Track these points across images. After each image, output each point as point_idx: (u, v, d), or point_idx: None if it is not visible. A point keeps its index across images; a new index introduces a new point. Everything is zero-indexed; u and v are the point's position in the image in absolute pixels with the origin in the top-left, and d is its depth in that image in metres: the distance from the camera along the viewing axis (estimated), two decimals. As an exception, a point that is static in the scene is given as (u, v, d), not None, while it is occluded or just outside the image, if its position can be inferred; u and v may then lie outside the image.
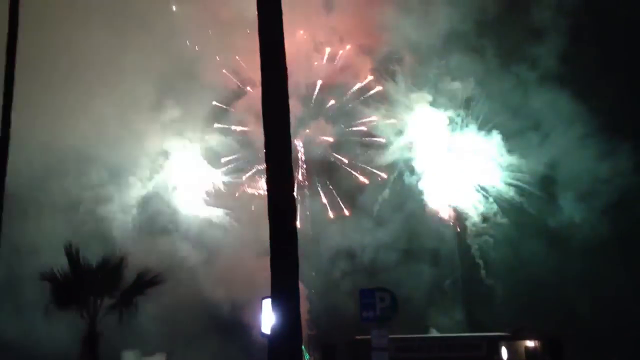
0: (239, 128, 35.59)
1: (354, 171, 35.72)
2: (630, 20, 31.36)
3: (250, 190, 35.55)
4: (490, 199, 34.41)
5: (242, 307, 29.85)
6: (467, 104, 34.60)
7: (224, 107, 35.83)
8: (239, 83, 35.88)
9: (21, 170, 21.99)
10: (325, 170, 36.26)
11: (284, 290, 8.82)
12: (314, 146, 36.10)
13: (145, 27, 31.16)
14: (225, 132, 35.70)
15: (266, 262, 8.92)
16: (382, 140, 35.26)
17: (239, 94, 35.95)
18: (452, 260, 34.80)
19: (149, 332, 26.92)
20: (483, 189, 34.65)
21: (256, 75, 9.60)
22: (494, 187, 34.46)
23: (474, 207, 34.60)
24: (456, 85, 34.46)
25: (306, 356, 28.91)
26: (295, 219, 9.38)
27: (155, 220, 34.48)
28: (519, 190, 33.77)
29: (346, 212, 35.33)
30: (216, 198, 35.62)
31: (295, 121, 32.65)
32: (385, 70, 35.59)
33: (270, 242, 8.96)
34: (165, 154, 35.39)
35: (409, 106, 35.09)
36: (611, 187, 30.84)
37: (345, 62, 36.29)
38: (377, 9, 34.09)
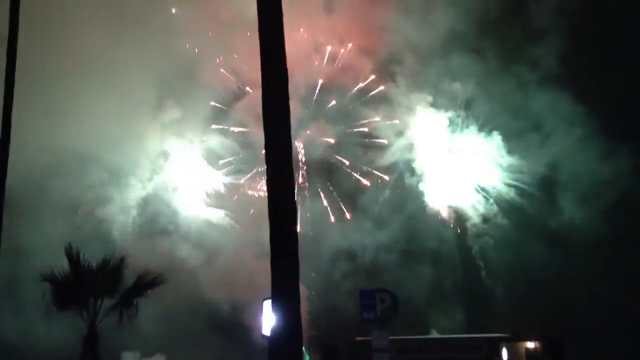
0: (239, 129, 35.54)
1: (355, 172, 35.75)
2: (630, 21, 31.36)
3: (250, 192, 35.56)
4: (491, 200, 34.41)
5: (242, 309, 29.79)
6: (467, 105, 34.63)
7: (224, 107, 35.76)
8: (239, 84, 35.87)
9: (21, 171, 21.93)
10: (326, 171, 36.23)
11: (284, 292, 8.78)
12: (314, 147, 36.12)
13: (145, 27, 31.20)
14: (226, 133, 35.66)
15: (266, 263, 8.88)
16: (383, 141, 35.28)
17: (239, 94, 35.90)
18: (452, 261, 34.78)
19: (149, 333, 26.81)
20: (483, 189, 34.63)
21: (256, 75, 9.53)
22: (494, 188, 34.44)
23: (474, 208, 34.59)
24: (456, 86, 34.43)
25: (306, 357, 28.79)
26: (295, 220, 9.37)
27: (156, 221, 34.45)
28: (519, 191, 33.77)
29: (347, 216, 35.33)
30: (216, 199, 35.56)
31: (296, 122, 32.56)
32: (385, 71, 35.63)
33: (271, 243, 8.92)
34: (165, 155, 35.32)
35: (409, 107, 35.09)
36: (611, 188, 30.81)
37: (346, 63, 36.25)
38: (378, 9, 34.08)
